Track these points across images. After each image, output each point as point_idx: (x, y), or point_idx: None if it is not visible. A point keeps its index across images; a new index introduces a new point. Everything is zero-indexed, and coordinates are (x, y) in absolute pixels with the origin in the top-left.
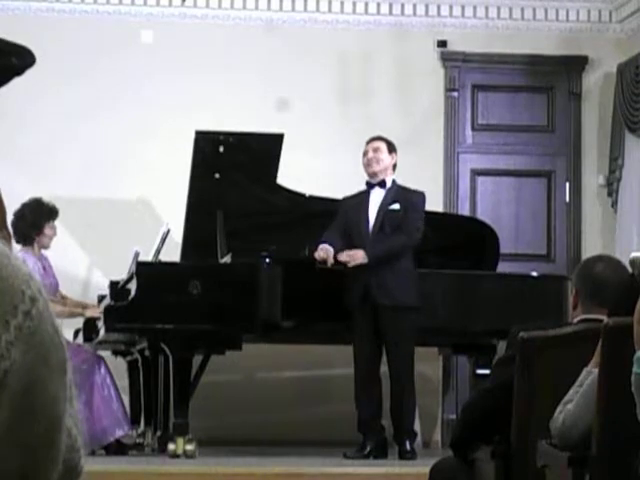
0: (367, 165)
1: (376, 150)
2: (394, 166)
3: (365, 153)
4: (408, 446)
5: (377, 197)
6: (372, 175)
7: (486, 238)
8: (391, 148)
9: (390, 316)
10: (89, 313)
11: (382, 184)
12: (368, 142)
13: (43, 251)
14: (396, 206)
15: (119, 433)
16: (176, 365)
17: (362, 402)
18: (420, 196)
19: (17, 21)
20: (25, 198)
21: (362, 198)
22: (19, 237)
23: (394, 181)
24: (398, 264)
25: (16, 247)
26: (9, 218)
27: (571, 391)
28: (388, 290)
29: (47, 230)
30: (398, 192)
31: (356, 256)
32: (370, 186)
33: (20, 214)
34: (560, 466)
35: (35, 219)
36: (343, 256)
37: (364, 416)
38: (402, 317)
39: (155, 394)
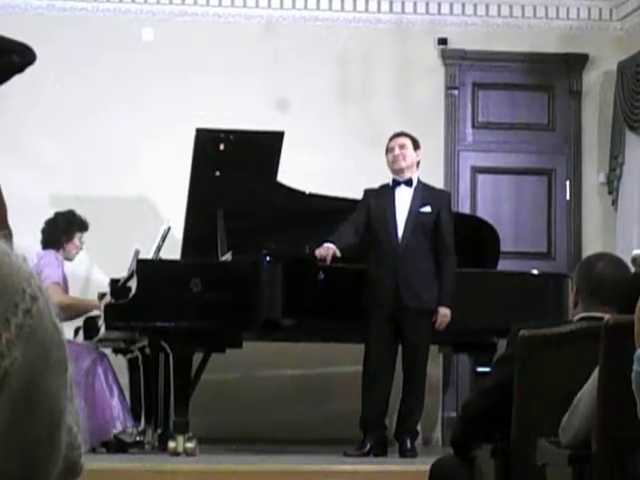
0: (393, 162)
1: (402, 147)
2: (418, 163)
3: (391, 150)
4: (409, 444)
5: (404, 196)
6: (398, 172)
7: (486, 236)
8: (416, 145)
9: (414, 318)
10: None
11: (408, 182)
12: (392, 138)
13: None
14: (428, 209)
15: (122, 426)
16: (176, 363)
17: (369, 400)
18: (449, 198)
19: (17, 19)
20: (26, 196)
21: (387, 196)
22: (47, 240)
23: (419, 179)
24: (423, 266)
25: (41, 252)
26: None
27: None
28: (415, 292)
29: (76, 240)
30: (425, 192)
31: (447, 319)
32: (396, 183)
33: (53, 220)
34: (560, 464)
35: (68, 226)
36: (442, 325)
37: (368, 414)
38: (426, 320)
39: (155, 392)
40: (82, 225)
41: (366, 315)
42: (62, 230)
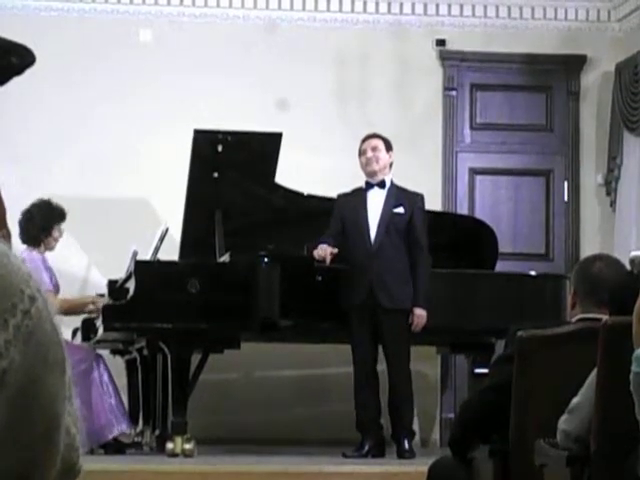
0: (366, 164)
1: (374, 149)
2: (391, 165)
3: (363, 152)
4: (406, 445)
5: (377, 198)
6: (371, 174)
7: (484, 237)
8: (388, 146)
9: (390, 317)
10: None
11: (381, 184)
12: (364, 140)
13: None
14: (401, 209)
15: (118, 431)
16: (174, 364)
17: (361, 403)
18: (422, 200)
19: (16, 20)
20: (24, 197)
21: (360, 198)
22: (27, 237)
23: (392, 181)
24: (398, 266)
25: (20, 247)
26: (16, 217)
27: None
28: (390, 292)
29: (55, 233)
30: (398, 193)
31: (423, 320)
32: (369, 186)
33: (29, 215)
34: (558, 465)
35: (44, 222)
36: (418, 327)
37: (363, 417)
38: (402, 319)
39: (153, 393)
40: (60, 216)
41: (346, 317)
42: (40, 228)
